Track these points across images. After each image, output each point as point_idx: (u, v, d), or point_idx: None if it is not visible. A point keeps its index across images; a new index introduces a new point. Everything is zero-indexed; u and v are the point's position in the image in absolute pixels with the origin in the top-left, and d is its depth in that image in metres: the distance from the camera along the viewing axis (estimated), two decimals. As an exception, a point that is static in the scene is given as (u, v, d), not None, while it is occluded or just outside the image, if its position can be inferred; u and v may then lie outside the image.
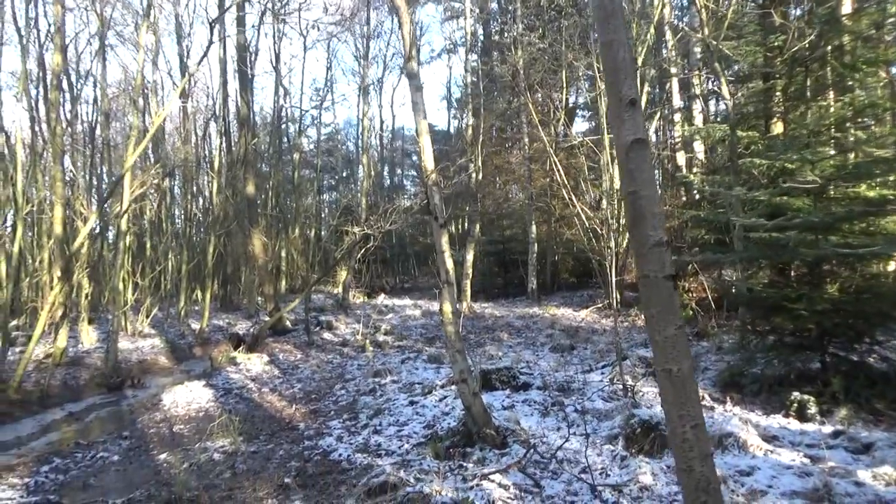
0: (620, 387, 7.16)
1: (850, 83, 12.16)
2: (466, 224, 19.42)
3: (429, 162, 5.78)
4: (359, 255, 21.67)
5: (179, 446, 6.70)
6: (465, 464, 5.22)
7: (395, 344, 12.78)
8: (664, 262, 2.24)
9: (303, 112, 29.17)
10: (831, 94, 12.74)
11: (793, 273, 11.95)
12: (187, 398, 9.01)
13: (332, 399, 8.43)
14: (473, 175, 17.38)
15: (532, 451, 5.14)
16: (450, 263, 5.77)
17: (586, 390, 7.46)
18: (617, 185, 17.60)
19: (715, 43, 10.35)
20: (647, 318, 2.33)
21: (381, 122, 40.98)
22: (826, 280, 6.73)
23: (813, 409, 5.81)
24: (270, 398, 8.75)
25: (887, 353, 6.77)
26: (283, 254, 24.69)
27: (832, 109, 11.97)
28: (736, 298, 8.31)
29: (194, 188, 20.96)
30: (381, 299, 23.70)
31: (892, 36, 13.58)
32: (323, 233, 29.95)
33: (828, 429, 5.51)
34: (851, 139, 12.23)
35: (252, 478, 5.49)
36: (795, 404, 5.93)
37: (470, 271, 17.28)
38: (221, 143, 21.67)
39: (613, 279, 7.39)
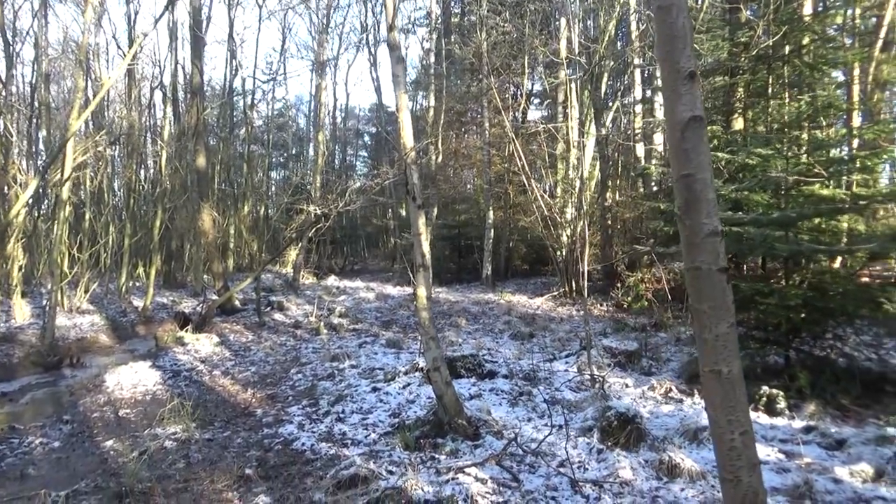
0: (588, 377, 7.08)
1: (810, 82, 12.40)
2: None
3: (408, 139, 5.51)
4: (310, 235, 21.18)
5: (127, 432, 6.28)
6: (437, 455, 5.02)
7: (350, 327, 12.46)
8: (718, 252, 2.07)
9: (255, 84, 28.21)
10: (787, 94, 13.00)
11: (745, 268, 12.15)
12: (132, 380, 8.51)
13: (289, 384, 8.09)
14: (433, 158, 17.07)
15: (512, 443, 4.97)
16: (426, 247, 5.53)
17: (553, 380, 7.37)
18: (573, 173, 17.65)
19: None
20: (696, 314, 2.15)
21: (335, 99, 40.13)
22: (794, 276, 6.79)
23: (782, 404, 5.85)
24: (223, 381, 8.35)
25: (847, 349, 6.89)
26: (232, 231, 23.88)
27: (791, 108, 12.20)
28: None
29: (139, 158, 19.96)
30: (332, 280, 23.25)
31: (851, 38, 13.92)
32: (271, 211, 29.15)
33: (798, 424, 5.54)
34: (805, 138, 12.50)
35: (209, 468, 5.15)
36: (765, 398, 5.96)
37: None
38: (167, 111, 20.71)
39: (585, 267, 7.28)
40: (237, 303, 15.44)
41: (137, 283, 19.56)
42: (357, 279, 23.95)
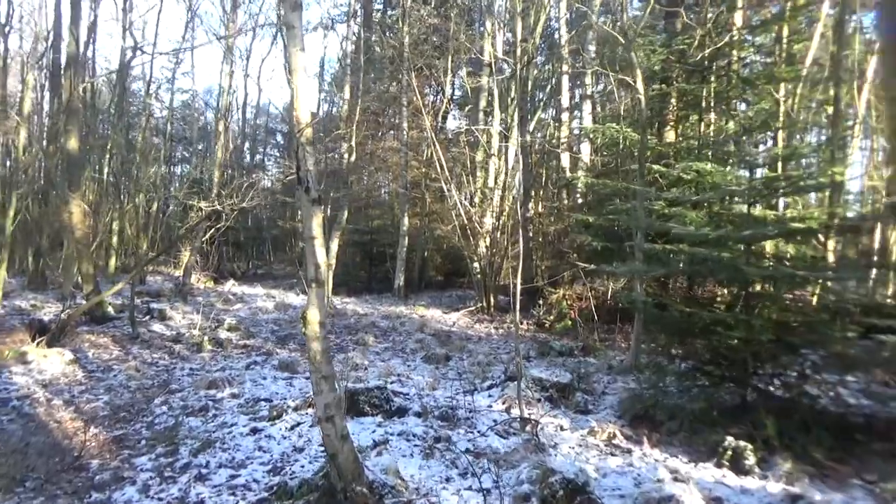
0: (518, 418, 5.90)
1: (746, 98, 11.89)
2: (330, 210, 17.66)
3: (302, 112, 4.13)
4: (206, 236, 19.27)
5: None
6: (324, 543, 3.67)
7: (239, 343, 10.81)
8: None
9: (154, 58, 25.69)
10: (723, 107, 12.49)
11: (674, 288, 11.40)
12: (-62, 411, 6.61)
13: (148, 420, 6.45)
14: (346, 156, 15.62)
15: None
16: (321, 255, 4.16)
17: (475, 420, 6.13)
18: (493, 181, 16.65)
19: (633, 32, 9.38)
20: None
21: (246, 93, 37.91)
22: (757, 304, 5.86)
23: (751, 460, 4.86)
24: (61, 416, 6.59)
25: (809, 388, 6.04)
26: (116, 227, 21.37)
27: (732, 122, 11.64)
28: (643, 315, 7.35)
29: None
30: (230, 286, 21.28)
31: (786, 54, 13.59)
32: (170, 207, 26.68)
33: (774, 486, 4.54)
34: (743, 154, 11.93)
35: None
36: (729, 452, 4.95)
37: (333, 262, 15.52)
38: (29, 81, 18.05)
39: (518, 286, 6.08)
40: (111, 310, 13.36)
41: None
42: (258, 285, 22.07)
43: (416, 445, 5.39)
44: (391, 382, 7.86)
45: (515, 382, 6.99)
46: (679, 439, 5.57)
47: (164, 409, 6.79)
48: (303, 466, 4.92)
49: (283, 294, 19.21)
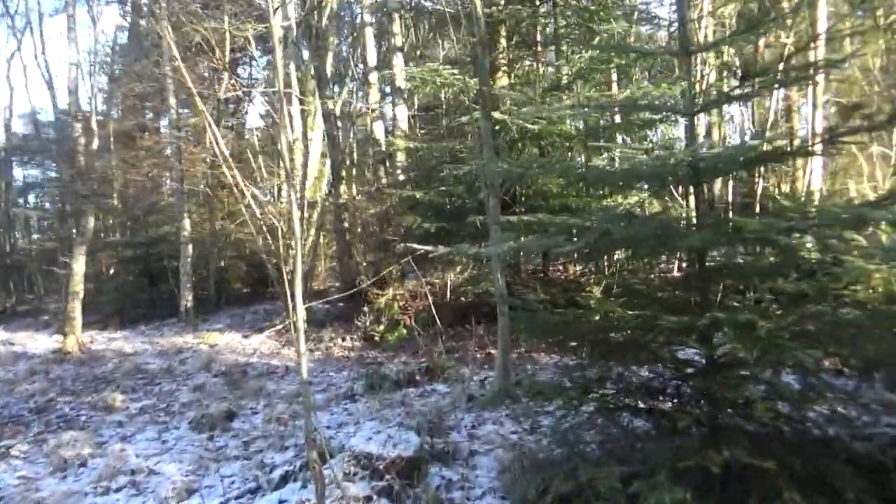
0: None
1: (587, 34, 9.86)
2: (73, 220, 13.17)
3: None
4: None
5: None
6: None
7: None
8: None
9: None
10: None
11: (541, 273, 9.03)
12: None
13: None
14: (81, 142, 11.45)
15: None
16: None
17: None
18: (290, 163, 13.48)
19: None
20: None
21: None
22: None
23: None
24: None
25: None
26: None
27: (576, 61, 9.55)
28: (517, 321, 4.69)
29: None
30: (-43, 335, 15.99)
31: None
32: None
33: None
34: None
35: None
36: None
37: (80, 288, 11.30)
38: None
39: (299, 295, 3.02)
40: None
41: None
42: (4, 329, 16.91)
43: None
44: (115, 490, 4.52)
45: (323, 466, 3.97)
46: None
47: None
48: None
49: (31, 336, 14.65)
